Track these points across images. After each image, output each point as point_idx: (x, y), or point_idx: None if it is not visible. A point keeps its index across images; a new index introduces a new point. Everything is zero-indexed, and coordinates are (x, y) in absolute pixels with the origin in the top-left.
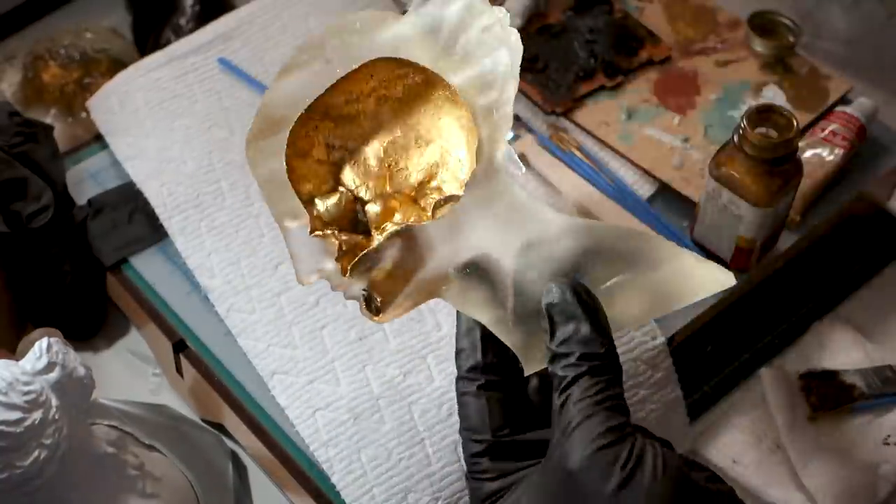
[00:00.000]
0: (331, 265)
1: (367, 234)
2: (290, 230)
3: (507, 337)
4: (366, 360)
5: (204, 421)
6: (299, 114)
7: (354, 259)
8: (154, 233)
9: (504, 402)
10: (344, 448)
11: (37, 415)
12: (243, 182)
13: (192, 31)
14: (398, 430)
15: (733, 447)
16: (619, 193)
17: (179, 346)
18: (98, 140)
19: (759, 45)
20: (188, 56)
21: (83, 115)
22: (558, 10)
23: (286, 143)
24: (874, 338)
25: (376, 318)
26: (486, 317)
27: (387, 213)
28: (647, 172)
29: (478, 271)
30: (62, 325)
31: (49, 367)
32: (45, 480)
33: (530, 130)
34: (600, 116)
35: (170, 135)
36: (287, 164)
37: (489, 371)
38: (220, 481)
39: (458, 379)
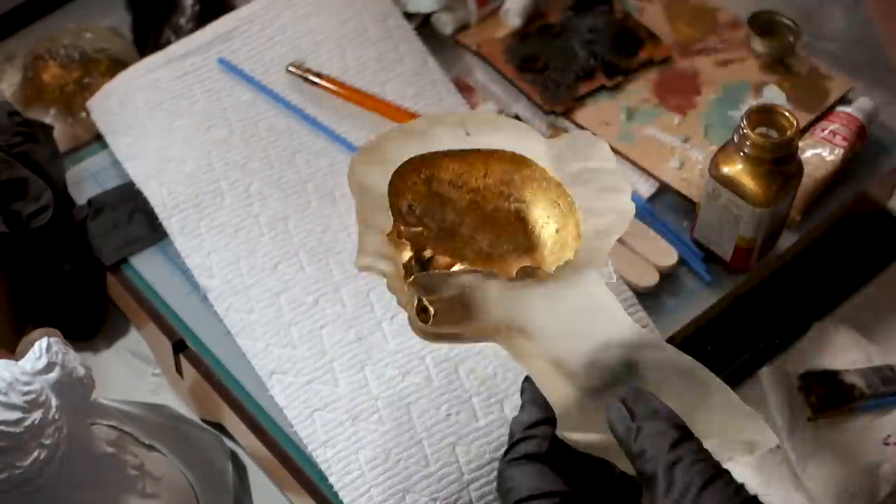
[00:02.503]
0: (388, 268)
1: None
2: (368, 225)
3: (554, 398)
4: (364, 361)
5: (204, 421)
6: (412, 157)
7: (422, 273)
8: (154, 233)
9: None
10: (342, 448)
11: (37, 415)
12: (243, 182)
13: (192, 31)
14: (396, 430)
15: None
16: None
17: (179, 346)
18: (98, 140)
19: (759, 45)
20: (188, 56)
21: (83, 115)
22: (558, 10)
23: (392, 173)
24: (874, 338)
25: (422, 327)
26: (537, 376)
27: (451, 263)
28: (647, 172)
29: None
30: (62, 325)
31: (49, 367)
32: (45, 480)
33: None
34: (600, 116)
35: (170, 135)
36: (390, 191)
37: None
38: (220, 481)
39: (513, 445)
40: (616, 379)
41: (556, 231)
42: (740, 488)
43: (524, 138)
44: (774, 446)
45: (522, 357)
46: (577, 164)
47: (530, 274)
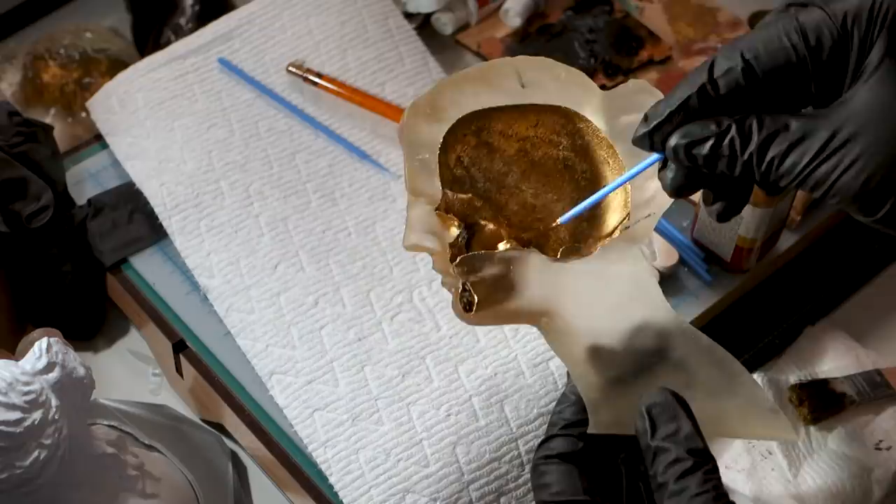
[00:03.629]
0: (436, 246)
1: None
2: (417, 201)
3: (586, 389)
4: (364, 361)
5: (204, 421)
6: (467, 114)
7: (467, 254)
8: (154, 233)
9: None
10: (342, 449)
11: (37, 415)
12: (243, 182)
13: (192, 31)
14: (396, 430)
15: (725, 453)
16: None
17: (179, 346)
18: (98, 140)
19: None
20: (188, 56)
21: (83, 115)
22: (558, 10)
23: (445, 134)
24: (866, 341)
25: (466, 315)
26: (571, 363)
27: (495, 236)
28: None
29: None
30: (62, 325)
31: (49, 367)
32: (45, 480)
33: None
34: None
35: (170, 135)
36: (441, 147)
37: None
38: (220, 481)
39: (548, 438)
40: (647, 365)
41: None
42: None
43: (579, 87)
44: (796, 442)
45: (559, 342)
46: (627, 118)
47: (573, 252)
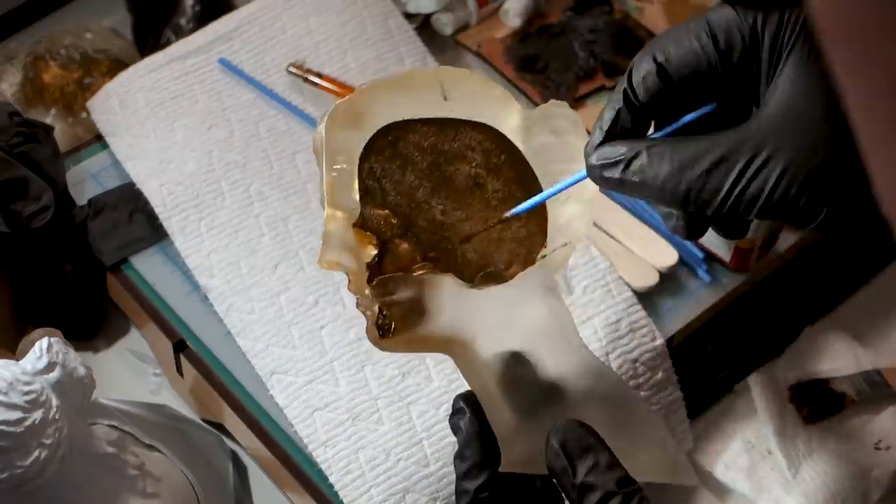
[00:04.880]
0: (353, 265)
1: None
2: (335, 215)
3: (497, 424)
4: (364, 361)
5: (204, 421)
6: (386, 125)
7: (385, 276)
8: (154, 233)
9: None
10: (342, 448)
11: (37, 415)
12: (243, 182)
13: (192, 31)
14: (396, 430)
15: (725, 453)
16: (620, 193)
17: (179, 346)
18: (98, 140)
19: None
20: (188, 56)
21: (83, 115)
22: (558, 10)
23: (364, 145)
24: (866, 341)
25: (380, 342)
26: (483, 394)
27: (408, 257)
28: None
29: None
30: (62, 325)
31: (49, 367)
32: (46, 480)
33: None
34: None
35: (170, 135)
36: (360, 161)
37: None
38: (221, 481)
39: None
40: (557, 399)
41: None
42: None
43: (500, 103)
44: (696, 485)
45: (470, 372)
46: (544, 138)
47: (490, 279)
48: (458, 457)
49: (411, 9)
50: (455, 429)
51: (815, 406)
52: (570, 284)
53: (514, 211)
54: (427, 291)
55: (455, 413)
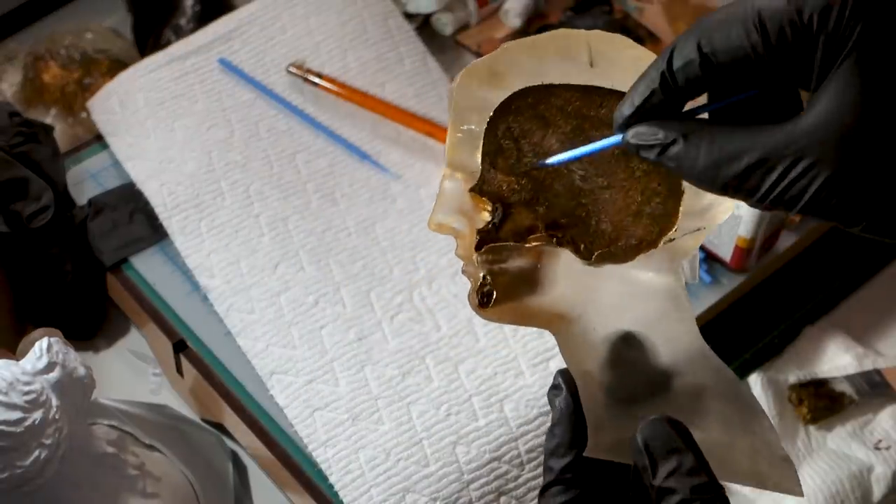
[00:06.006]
0: (464, 227)
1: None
2: (454, 175)
3: (592, 406)
4: (364, 361)
5: (204, 421)
6: (524, 88)
7: (494, 244)
8: (154, 233)
9: None
10: (342, 448)
11: (37, 415)
12: (243, 182)
13: (192, 31)
14: (396, 430)
15: None
16: None
17: (179, 346)
18: (98, 140)
19: None
20: (188, 56)
21: (83, 115)
22: (558, 11)
23: (498, 105)
24: (866, 341)
25: (480, 310)
26: (580, 375)
27: (529, 225)
28: None
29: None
30: (62, 325)
31: (49, 367)
32: (45, 480)
33: None
34: None
35: (170, 135)
36: (490, 120)
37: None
38: (221, 481)
39: (552, 484)
40: (662, 388)
41: (657, 191)
42: None
43: None
44: (801, 497)
45: (572, 351)
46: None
47: (609, 257)
48: (550, 432)
49: (411, 9)
50: (550, 403)
51: (815, 406)
52: (695, 271)
53: (550, 161)
54: (542, 263)
55: (553, 388)
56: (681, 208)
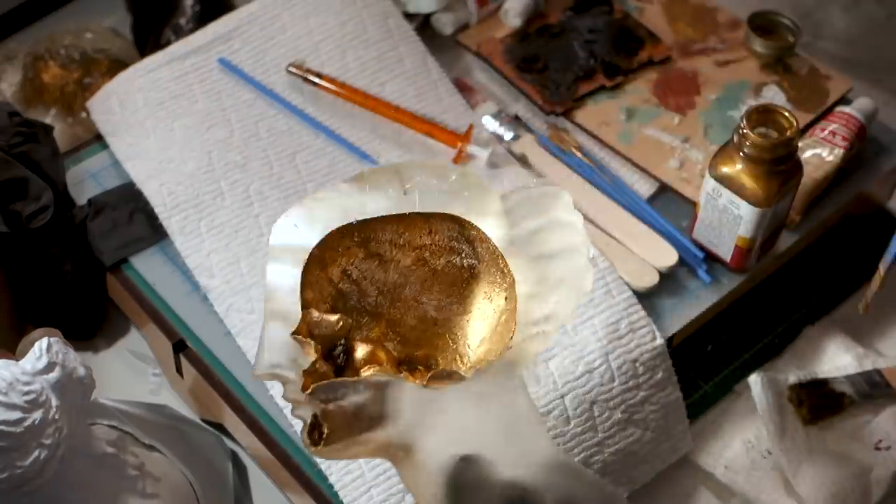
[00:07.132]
0: (291, 374)
1: (338, 369)
2: (274, 324)
3: None
4: None
5: (204, 421)
6: (344, 224)
7: (321, 382)
8: (154, 233)
9: None
10: None
11: (37, 415)
12: (243, 182)
13: (192, 31)
14: None
15: (725, 453)
16: (619, 193)
17: (179, 346)
18: (98, 140)
19: (759, 46)
20: (188, 56)
21: (83, 115)
22: (558, 10)
23: (315, 245)
24: (866, 341)
25: (313, 449)
26: (423, 501)
27: (370, 361)
28: (646, 172)
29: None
30: (62, 325)
31: (49, 367)
32: (45, 480)
33: (530, 130)
34: (600, 117)
35: (170, 135)
36: (305, 265)
37: None
38: (220, 481)
39: None
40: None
41: (501, 309)
42: None
43: (472, 191)
44: None
45: (416, 479)
46: (531, 222)
47: (446, 377)
48: None
49: (411, 9)
50: None
51: (815, 406)
52: (537, 375)
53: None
54: (385, 393)
55: None
56: (515, 316)
